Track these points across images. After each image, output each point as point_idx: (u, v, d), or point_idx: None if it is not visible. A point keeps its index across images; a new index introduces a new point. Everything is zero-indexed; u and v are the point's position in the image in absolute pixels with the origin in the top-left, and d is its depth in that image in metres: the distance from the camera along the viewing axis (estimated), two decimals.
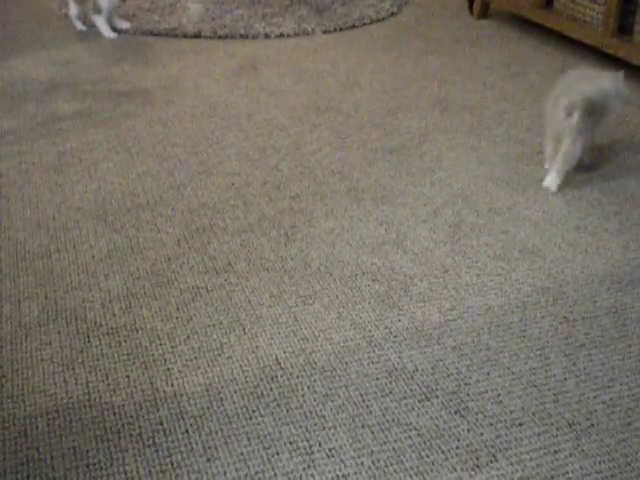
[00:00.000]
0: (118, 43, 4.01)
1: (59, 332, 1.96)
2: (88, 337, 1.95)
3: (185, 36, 4.14)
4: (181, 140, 2.97)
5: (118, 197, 2.57)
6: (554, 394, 1.80)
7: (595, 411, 1.76)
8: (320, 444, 1.66)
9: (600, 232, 2.43)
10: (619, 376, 1.86)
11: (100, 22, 4.05)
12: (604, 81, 2.60)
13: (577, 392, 1.81)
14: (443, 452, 1.65)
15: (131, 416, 1.72)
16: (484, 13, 4.49)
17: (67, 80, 3.51)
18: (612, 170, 2.80)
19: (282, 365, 1.87)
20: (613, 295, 2.15)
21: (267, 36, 4.16)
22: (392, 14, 4.56)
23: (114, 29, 4.12)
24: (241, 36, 4.15)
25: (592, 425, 1.72)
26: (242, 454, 1.64)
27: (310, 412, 1.74)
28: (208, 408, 1.74)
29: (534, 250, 2.34)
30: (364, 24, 4.40)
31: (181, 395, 1.78)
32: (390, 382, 1.82)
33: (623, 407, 1.77)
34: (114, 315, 2.03)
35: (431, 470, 1.61)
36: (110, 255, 2.27)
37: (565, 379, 1.85)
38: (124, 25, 4.17)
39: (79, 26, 4.11)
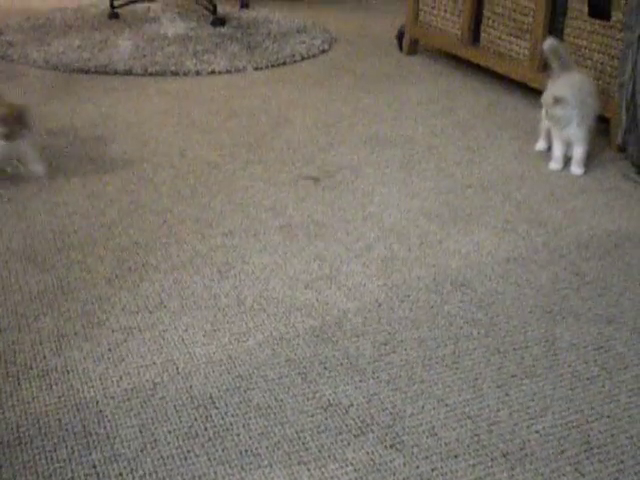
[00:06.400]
0: (47, 81, 3.97)
1: None
2: (18, 380, 1.91)
3: (116, 73, 4.12)
4: (112, 178, 2.95)
5: (48, 237, 2.54)
6: (488, 425, 1.82)
7: (529, 440, 1.78)
8: None
9: (529, 263, 2.47)
10: (551, 405, 1.89)
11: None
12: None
13: (510, 422, 1.83)
14: None
15: (63, 460, 1.68)
16: (413, 50, 4.57)
17: None
18: (539, 202, 2.85)
19: (217, 404, 1.86)
20: (543, 326, 2.18)
21: (198, 73, 4.17)
22: (323, 51, 4.62)
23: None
24: (172, 73, 4.15)
25: (526, 455, 1.74)
26: None
27: (246, 451, 1.72)
28: (142, 450, 1.72)
29: (465, 282, 2.37)
30: (295, 61, 4.44)
31: (114, 437, 1.75)
32: (325, 418, 1.82)
33: (556, 436, 1.79)
34: (45, 357, 1.99)
35: None
36: (40, 296, 2.24)
37: (498, 410, 1.87)
38: (38, 169, 2.95)
39: None
